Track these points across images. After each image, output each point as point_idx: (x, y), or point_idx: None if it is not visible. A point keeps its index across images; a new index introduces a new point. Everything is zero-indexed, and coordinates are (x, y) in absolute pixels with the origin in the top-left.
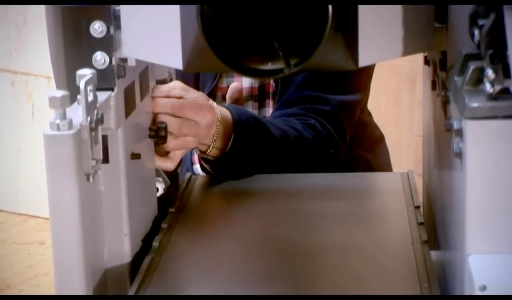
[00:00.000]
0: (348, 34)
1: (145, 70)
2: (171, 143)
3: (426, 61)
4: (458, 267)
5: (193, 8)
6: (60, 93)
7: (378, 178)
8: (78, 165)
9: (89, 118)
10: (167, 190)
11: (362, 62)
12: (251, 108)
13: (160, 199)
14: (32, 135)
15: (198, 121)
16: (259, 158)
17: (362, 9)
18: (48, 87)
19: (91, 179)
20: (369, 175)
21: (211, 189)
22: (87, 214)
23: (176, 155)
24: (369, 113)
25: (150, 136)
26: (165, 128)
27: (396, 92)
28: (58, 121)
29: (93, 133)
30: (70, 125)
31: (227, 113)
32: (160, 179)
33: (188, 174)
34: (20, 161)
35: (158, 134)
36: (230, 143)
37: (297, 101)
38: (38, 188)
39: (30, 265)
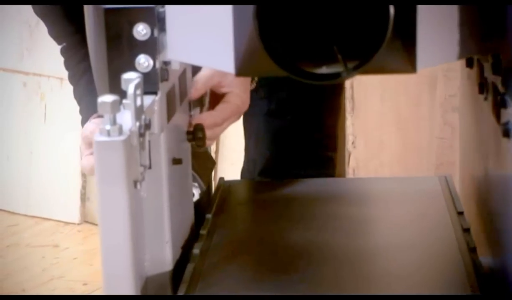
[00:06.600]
0: (407, 36)
1: (183, 73)
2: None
3: (469, 64)
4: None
5: (248, 9)
6: (110, 98)
7: (416, 182)
8: (129, 172)
9: (137, 124)
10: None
11: (420, 65)
12: None
13: (195, 205)
14: (44, 137)
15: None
16: None
17: (420, 11)
18: (60, 88)
19: (138, 186)
20: (406, 179)
21: (246, 194)
22: (135, 221)
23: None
24: None
25: (188, 140)
26: (202, 129)
27: (416, 93)
28: (108, 127)
29: (141, 139)
30: (121, 130)
31: None
32: (196, 184)
33: (220, 179)
34: (32, 163)
35: (196, 136)
36: None
37: None
38: (51, 190)
39: (45, 268)
